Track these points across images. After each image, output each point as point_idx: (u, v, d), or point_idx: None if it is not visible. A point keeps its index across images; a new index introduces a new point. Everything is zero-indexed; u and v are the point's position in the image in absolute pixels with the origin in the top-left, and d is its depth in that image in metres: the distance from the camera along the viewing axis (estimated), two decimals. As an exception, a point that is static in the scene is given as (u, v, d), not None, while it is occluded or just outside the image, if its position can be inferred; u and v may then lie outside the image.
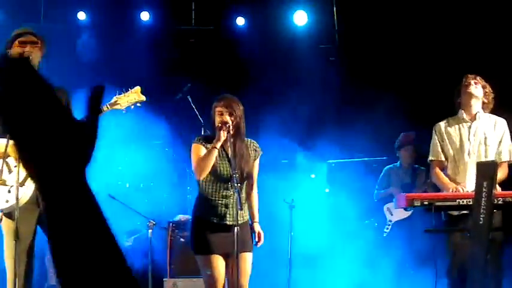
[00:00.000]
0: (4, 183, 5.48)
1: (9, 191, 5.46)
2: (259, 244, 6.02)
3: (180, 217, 8.84)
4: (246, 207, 5.97)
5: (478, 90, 6.67)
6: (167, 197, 9.93)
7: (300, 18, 11.49)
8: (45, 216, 1.61)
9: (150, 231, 8.46)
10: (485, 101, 6.73)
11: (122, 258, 1.57)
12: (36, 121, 1.44)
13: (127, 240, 9.11)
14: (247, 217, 5.99)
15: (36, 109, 1.43)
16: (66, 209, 1.58)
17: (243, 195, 5.91)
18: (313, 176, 10.66)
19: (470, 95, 6.67)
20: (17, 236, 5.23)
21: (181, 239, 8.48)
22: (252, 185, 6.06)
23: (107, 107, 5.88)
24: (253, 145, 6.07)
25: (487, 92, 6.73)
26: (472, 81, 6.67)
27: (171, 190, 9.99)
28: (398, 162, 9.02)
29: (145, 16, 11.55)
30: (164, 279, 8.43)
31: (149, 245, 8.48)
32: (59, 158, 1.49)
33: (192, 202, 9.17)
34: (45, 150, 1.47)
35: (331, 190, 9.95)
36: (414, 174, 8.88)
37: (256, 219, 6.07)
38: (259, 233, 5.99)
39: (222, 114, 5.80)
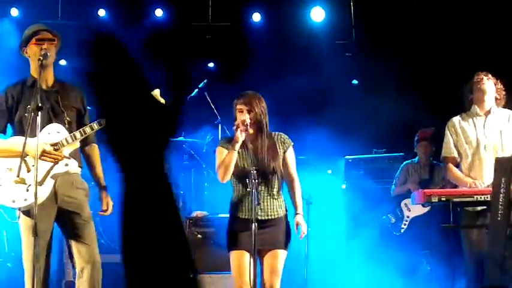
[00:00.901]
0: (23, 182, 5.50)
1: (27, 190, 5.47)
2: (302, 236, 5.95)
3: (197, 213, 8.85)
4: (279, 202, 5.92)
5: (490, 86, 6.64)
6: (184, 193, 9.95)
7: (317, 14, 11.47)
8: (124, 188, 1.67)
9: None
10: (498, 97, 6.69)
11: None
12: (121, 95, 1.47)
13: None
14: (279, 213, 5.91)
15: (122, 84, 1.46)
16: (143, 184, 1.65)
17: (275, 190, 5.89)
18: (329, 171, 10.66)
19: (484, 91, 6.64)
20: (35, 232, 5.24)
21: (199, 235, 8.49)
22: (289, 177, 6.01)
23: None
24: (281, 138, 6.00)
25: (498, 89, 6.69)
26: (484, 78, 6.65)
27: (188, 186, 10.01)
28: (417, 158, 8.97)
29: (160, 12, 11.59)
30: (181, 275, 8.46)
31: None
32: (142, 134, 1.53)
33: (208, 198, 9.22)
34: (129, 125, 1.50)
35: (348, 186, 9.93)
36: (432, 171, 8.82)
37: (298, 210, 5.99)
38: (297, 223, 5.92)
39: (242, 112, 5.81)
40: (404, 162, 9.13)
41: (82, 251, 5.78)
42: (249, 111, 5.81)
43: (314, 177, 9.34)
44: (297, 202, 6.03)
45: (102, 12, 11.49)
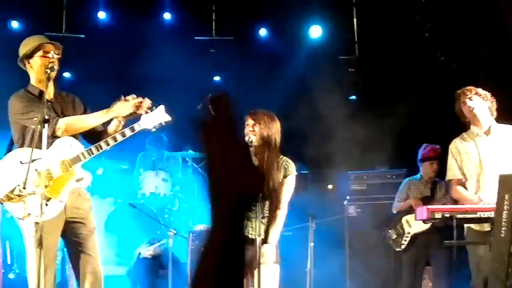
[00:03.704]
0: (45, 197, 5.48)
1: (46, 204, 5.49)
2: (263, 264, 5.63)
3: (201, 226, 8.89)
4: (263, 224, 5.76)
5: (477, 104, 6.53)
6: (187, 206, 9.98)
7: (315, 32, 11.60)
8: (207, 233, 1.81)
9: (170, 240, 8.52)
10: (493, 112, 6.64)
11: None
12: (223, 147, 1.63)
13: (147, 249, 9.16)
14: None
15: (225, 140, 1.62)
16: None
17: (265, 212, 5.80)
18: (330, 187, 10.67)
19: (473, 114, 6.54)
20: (41, 244, 5.25)
21: (202, 248, 8.49)
22: (277, 205, 5.86)
23: (139, 126, 5.92)
24: (285, 163, 5.90)
25: (491, 102, 6.61)
26: (467, 100, 6.55)
27: (191, 200, 10.04)
28: (419, 175, 8.95)
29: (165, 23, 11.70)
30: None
31: (170, 254, 8.54)
32: (234, 184, 1.66)
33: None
34: (224, 178, 1.63)
35: (350, 201, 9.92)
36: (434, 187, 8.80)
37: (269, 239, 5.77)
38: (262, 253, 5.63)
39: (248, 125, 5.82)
40: (406, 179, 9.12)
41: (85, 262, 5.81)
42: (253, 125, 5.83)
43: (315, 192, 9.37)
44: (271, 231, 5.81)
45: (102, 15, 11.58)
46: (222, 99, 1.89)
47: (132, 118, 5.94)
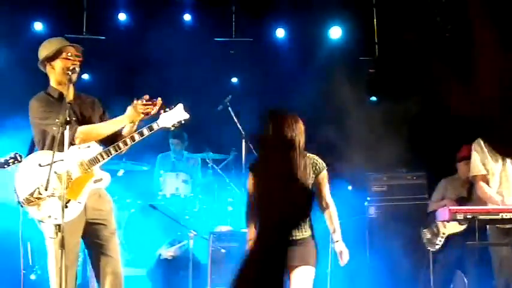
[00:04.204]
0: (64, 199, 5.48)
1: (66, 206, 5.50)
2: (343, 264, 5.90)
3: (221, 228, 8.89)
4: (305, 223, 5.72)
5: None
6: (208, 208, 9.98)
7: (335, 32, 11.56)
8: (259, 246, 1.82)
9: (191, 241, 8.52)
10: None
11: None
12: (273, 165, 1.66)
13: (168, 250, 9.17)
14: (306, 234, 5.73)
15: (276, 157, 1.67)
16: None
17: None
18: (350, 188, 10.64)
19: None
20: (62, 246, 5.26)
21: (222, 250, 8.51)
22: (323, 202, 5.90)
23: (157, 125, 5.92)
24: (313, 160, 5.85)
25: None
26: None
27: (212, 201, 10.03)
28: (457, 175, 8.81)
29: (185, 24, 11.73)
30: (205, 289, 8.49)
31: (190, 255, 8.54)
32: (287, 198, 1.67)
33: (232, 213, 9.24)
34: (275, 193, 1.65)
35: (370, 202, 9.87)
36: (471, 189, 8.64)
37: (337, 237, 5.89)
38: (340, 252, 5.86)
39: None
40: (443, 178, 8.98)
41: (106, 263, 5.81)
42: None
43: (335, 193, 9.33)
44: (335, 228, 5.92)
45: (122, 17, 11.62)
46: (283, 118, 1.89)
47: (149, 118, 5.94)
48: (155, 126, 5.92)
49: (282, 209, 1.71)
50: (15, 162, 6.81)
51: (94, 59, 10.15)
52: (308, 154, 5.86)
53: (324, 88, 10.91)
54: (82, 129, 5.76)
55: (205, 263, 8.82)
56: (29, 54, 6.07)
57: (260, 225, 1.81)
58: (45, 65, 5.94)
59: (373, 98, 11.91)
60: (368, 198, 9.79)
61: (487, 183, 6.68)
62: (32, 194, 5.59)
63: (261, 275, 1.74)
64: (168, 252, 9.11)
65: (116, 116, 5.98)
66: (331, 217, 5.94)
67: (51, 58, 5.89)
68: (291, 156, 5.74)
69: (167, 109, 6.01)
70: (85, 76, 11.35)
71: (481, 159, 6.70)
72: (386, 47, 11.68)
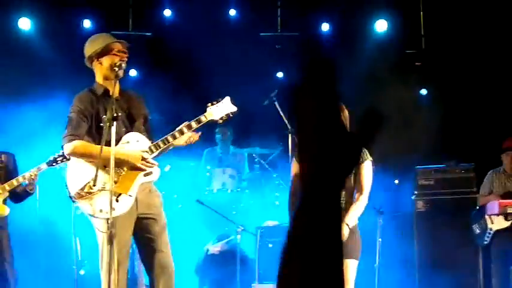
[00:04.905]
0: (114, 193, 5.50)
1: (117, 200, 5.54)
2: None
3: (268, 223, 8.90)
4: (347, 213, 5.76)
5: None
6: (255, 203, 9.98)
7: (381, 25, 11.47)
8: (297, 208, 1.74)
9: (238, 236, 8.54)
10: None
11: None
12: (318, 121, 1.56)
13: (215, 245, 9.20)
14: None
15: (320, 111, 1.56)
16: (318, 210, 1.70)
17: (342, 200, 5.75)
18: (397, 181, 10.56)
19: None
20: (112, 241, 5.30)
21: (270, 245, 8.53)
22: (358, 189, 5.88)
23: (205, 118, 5.94)
24: None
25: None
26: None
27: (259, 196, 10.03)
28: (502, 167, 8.67)
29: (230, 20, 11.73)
30: (253, 284, 8.50)
31: (238, 250, 8.56)
32: (329, 162, 1.60)
33: (279, 208, 9.24)
34: (319, 151, 1.57)
35: (417, 196, 9.78)
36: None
37: (346, 219, 5.75)
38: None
39: None
40: (490, 170, 8.83)
41: (158, 258, 5.84)
42: None
43: (382, 187, 9.28)
44: (350, 212, 5.80)
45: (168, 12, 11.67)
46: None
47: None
48: (203, 118, 5.94)
49: (332, 156, 1.64)
50: (64, 160, 6.90)
51: (140, 55, 10.22)
52: None
53: (371, 82, 10.86)
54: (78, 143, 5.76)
55: (252, 258, 8.84)
56: (82, 52, 6.10)
57: (306, 182, 1.73)
58: (92, 60, 5.98)
59: (421, 91, 11.78)
60: (415, 192, 9.71)
61: None
62: (82, 189, 5.64)
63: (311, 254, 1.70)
64: (215, 248, 9.15)
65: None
66: (355, 202, 5.85)
67: (99, 54, 5.93)
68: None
69: (214, 102, 6.03)
70: (132, 73, 11.41)
71: None
72: (433, 39, 11.55)
